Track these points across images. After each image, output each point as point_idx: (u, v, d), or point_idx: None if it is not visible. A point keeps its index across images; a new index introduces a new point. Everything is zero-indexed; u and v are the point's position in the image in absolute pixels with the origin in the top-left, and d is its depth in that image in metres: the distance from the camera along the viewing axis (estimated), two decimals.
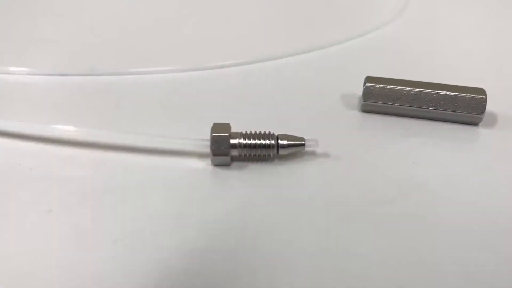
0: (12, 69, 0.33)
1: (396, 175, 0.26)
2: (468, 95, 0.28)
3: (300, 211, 0.24)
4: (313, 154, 0.27)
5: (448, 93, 0.29)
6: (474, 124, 0.29)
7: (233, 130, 0.26)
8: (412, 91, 0.29)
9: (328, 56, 0.36)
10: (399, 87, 0.29)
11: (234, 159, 0.26)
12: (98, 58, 0.35)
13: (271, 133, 0.26)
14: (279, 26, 0.41)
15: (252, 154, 0.26)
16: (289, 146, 0.26)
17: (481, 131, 0.29)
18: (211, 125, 0.26)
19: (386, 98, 0.29)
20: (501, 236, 0.23)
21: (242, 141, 0.26)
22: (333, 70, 0.35)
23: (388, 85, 0.29)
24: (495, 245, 0.23)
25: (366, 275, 0.21)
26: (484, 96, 0.28)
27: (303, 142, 0.26)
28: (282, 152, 0.26)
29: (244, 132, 0.26)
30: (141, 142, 0.27)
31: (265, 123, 0.28)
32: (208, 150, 0.26)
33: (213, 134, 0.25)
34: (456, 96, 0.28)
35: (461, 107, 0.29)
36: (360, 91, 0.30)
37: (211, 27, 0.40)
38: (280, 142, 0.26)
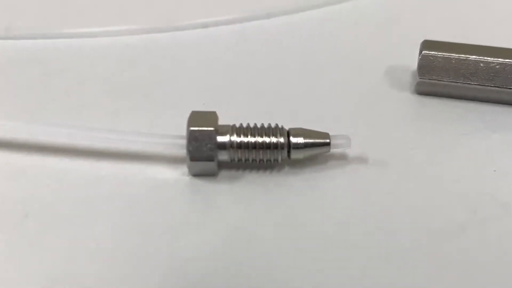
0: None
1: (469, 190, 0.26)
2: None
3: (323, 245, 0.24)
4: (343, 158, 0.27)
5: None
6: None
7: (222, 122, 0.26)
8: (493, 62, 0.29)
9: (367, 10, 0.36)
10: (472, 57, 0.29)
11: (222, 166, 0.26)
12: (16, 14, 0.35)
13: (280, 126, 0.26)
14: None
15: (251, 159, 0.26)
16: (306, 146, 0.26)
17: None
18: (188, 115, 0.26)
19: (453, 74, 0.29)
20: None
21: (235, 138, 0.26)
22: (374, 31, 0.35)
23: (455, 53, 0.29)
24: None
25: None
26: None
27: (328, 140, 0.26)
28: (295, 155, 0.26)
29: (238, 125, 0.26)
30: (81, 139, 0.27)
31: (270, 112, 0.28)
32: (183, 152, 0.26)
33: (191, 128, 0.25)
34: None
35: None
36: (413, 63, 0.30)
37: None
38: (293, 140, 0.26)
